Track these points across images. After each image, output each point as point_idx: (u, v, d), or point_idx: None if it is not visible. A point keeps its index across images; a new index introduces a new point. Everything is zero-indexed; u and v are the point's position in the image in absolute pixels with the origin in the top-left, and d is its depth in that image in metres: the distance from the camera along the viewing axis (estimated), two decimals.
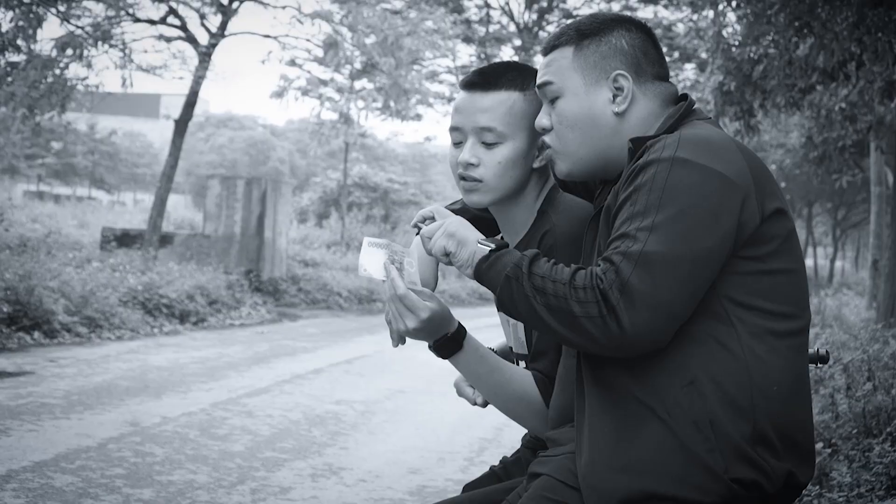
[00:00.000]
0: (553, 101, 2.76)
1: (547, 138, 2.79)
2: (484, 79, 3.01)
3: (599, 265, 2.39)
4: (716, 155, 2.45)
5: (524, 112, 3.00)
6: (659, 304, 2.34)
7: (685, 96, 2.77)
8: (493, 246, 2.59)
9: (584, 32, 2.73)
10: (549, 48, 2.79)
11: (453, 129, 3.05)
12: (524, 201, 3.08)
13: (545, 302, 2.41)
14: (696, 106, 2.74)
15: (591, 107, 2.70)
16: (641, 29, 2.75)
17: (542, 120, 2.79)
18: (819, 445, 6.77)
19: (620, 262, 2.34)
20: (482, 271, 2.59)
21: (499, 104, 2.98)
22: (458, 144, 3.05)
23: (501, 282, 2.51)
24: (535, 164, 3.06)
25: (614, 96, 2.68)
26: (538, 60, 5.95)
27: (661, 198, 2.39)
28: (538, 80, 2.80)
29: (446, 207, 3.29)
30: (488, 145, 2.99)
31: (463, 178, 3.02)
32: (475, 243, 2.63)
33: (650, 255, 2.34)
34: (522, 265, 2.47)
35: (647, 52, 2.72)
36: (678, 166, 2.42)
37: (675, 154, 2.44)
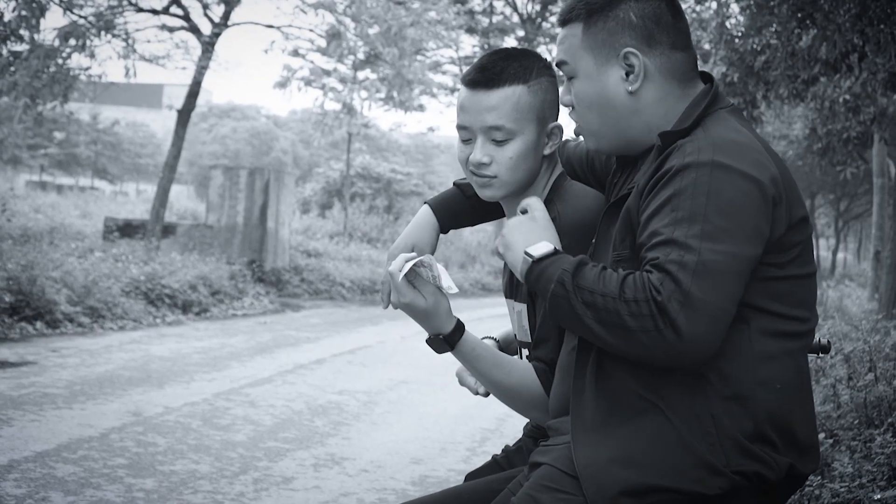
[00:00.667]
0: (571, 79, 2.73)
1: (572, 115, 2.78)
2: (486, 76, 2.99)
3: (650, 272, 2.36)
4: (752, 161, 2.44)
5: (530, 104, 2.99)
6: (717, 313, 2.34)
7: (707, 77, 2.74)
8: (534, 256, 2.55)
9: (593, 7, 2.65)
10: (561, 21, 2.74)
11: (461, 128, 3.04)
12: (533, 190, 3.09)
13: (597, 317, 2.39)
14: (720, 88, 2.69)
15: (603, 88, 2.66)
16: None
17: (564, 97, 2.78)
18: (821, 436, 6.77)
19: (678, 273, 2.31)
20: (531, 283, 2.58)
21: (504, 101, 2.97)
22: (466, 141, 3.05)
23: (549, 297, 2.49)
24: (546, 152, 3.08)
25: (627, 73, 2.63)
26: (542, 52, 5.94)
27: (707, 204, 2.36)
28: (556, 58, 2.78)
29: (456, 182, 3.32)
30: (498, 142, 2.99)
31: (475, 174, 3.03)
32: (521, 251, 2.60)
33: (708, 265, 2.32)
34: (566, 281, 2.43)
35: (659, 19, 2.64)
36: (719, 171, 2.39)
37: (713, 158, 2.41)
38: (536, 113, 3.00)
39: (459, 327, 2.89)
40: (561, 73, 2.79)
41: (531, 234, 2.65)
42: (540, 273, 2.52)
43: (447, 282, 2.81)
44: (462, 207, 3.27)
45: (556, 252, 2.55)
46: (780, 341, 2.50)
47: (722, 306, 2.34)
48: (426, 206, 3.31)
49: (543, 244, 2.58)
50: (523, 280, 2.60)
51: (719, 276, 2.33)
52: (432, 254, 3.18)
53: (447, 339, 2.88)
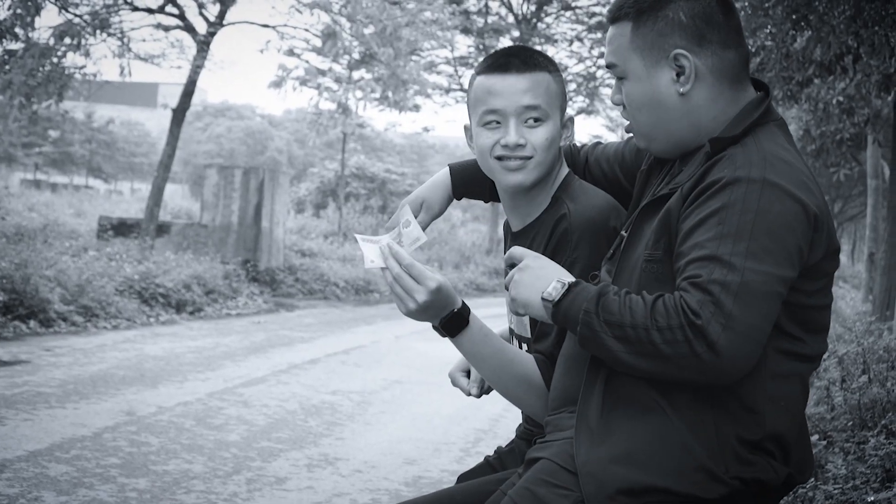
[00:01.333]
0: (620, 79, 2.71)
1: (623, 115, 2.77)
2: (520, 59, 3.03)
3: (687, 291, 2.35)
4: (800, 182, 2.44)
5: (557, 92, 3.05)
6: (756, 334, 2.34)
7: (760, 84, 2.71)
8: (553, 299, 2.52)
9: (642, 7, 2.62)
10: (611, 18, 2.71)
11: (490, 112, 3.03)
12: (543, 184, 3.10)
13: (630, 350, 2.38)
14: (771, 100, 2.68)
15: (654, 90, 2.63)
16: None
17: (615, 97, 2.76)
18: (814, 438, 6.78)
19: (720, 294, 2.31)
20: (560, 325, 2.56)
21: (538, 84, 3.01)
22: (493, 128, 3.04)
23: (579, 341, 2.49)
24: (562, 143, 3.11)
25: (678, 74, 2.60)
26: None
27: (755, 222, 2.35)
28: (605, 60, 2.76)
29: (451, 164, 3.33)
30: (532, 125, 3.00)
31: (506, 158, 3.03)
32: (538, 301, 2.57)
33: (750, 285, 2.32)
34: (592, 322, 2.42)
35: (710, 18, 2.59)
36: (769, 190, 2.38)
37: (764, 175, 2.40)
38: (560, 102, 3.06)
39: (465, 304, 2.86)
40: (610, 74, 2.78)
41: (536, 280, 2.60)
42: (565, 314, 2.50)
43: (418, 230, 2.84)
44: (479, 178, 3.28)
45: (569, 287, 2.52)
46: (793, 363, 2.52)
47: (761, 327, 2.35)
48: (446, 168, 3.35)
49: (554, 283, 2.55)
50: (554, 324, 2.60)
51: (760, 297, 2.33)
52: (439, 214, 3.28)
53: (461, 312, 2.83)
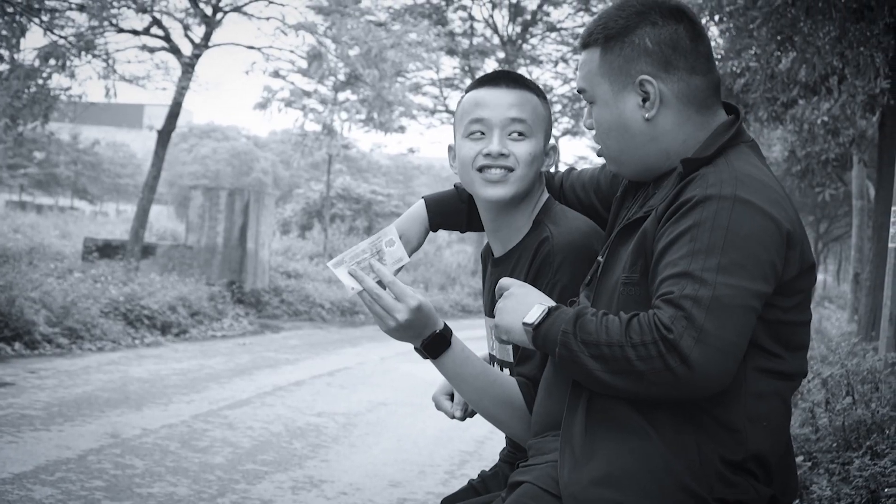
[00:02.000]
0: (591, 104, 2.74)
1: (594, 139, 2.80)
2: (511, 77, 3.09)
3: (660, 308, 2.36)
4: (772, 200, 2.45)
5: (543, 115, 3.09)
6: (729, 347, 2.34)
7: (731, 108, 2.74)
8: (532, 323, 2.54)
9: (610, 33, 2.65)
10: (582, 44, 2.75)
11: (475, 122, 3.06)
12: (525, 206, 3.12)
13: (607, 368, 2.39)
14: (742, 120, 2.70)
15: (620, 115, 2.66)
16: (672, 17, 2.64)
17: (587, 121, 2.80)
18: (799, 459, 6.78)
19: (692, 308, 2.32)
20: (540, 349, 2.57)
21: (526, 101, 3.06)
22: (476, 139, 3.08)
23: (557, 362, 2.50)
24: (543, 168, 3.13)
25: (643, 100, 2.63)
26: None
27: (726, 238, 2.37)
28: (576, 85, 2.81)
29: (456, 185, 3.34)
30: (516, 138, 3.04)
31: (487, 168, 3.05)
32: (520, 326, 2.60)
33: (722, 300, 2.32)
34: (569, 342, 2.43)
35: (676, 44, 2.62)
36: (740, 206, 2.40)
37: (735, 192, 2.41)
38: (545, 126, 3.09)
39: (447, 325, 2.88)
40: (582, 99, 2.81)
41: (519, 306, 2.63)
42: (544, 337, 2.51)
43: (402, 251, 2.84)
44: (455, 209, 3.31)
45: (549, 312, 2.53)
46: (773, 381, 2.52)
47: (734, 341, 2.35)
48: (421, 201, 3.36)
49: (535, 308, 2.57)
50: (534, 348, 2.60)
51: (732, 311, 2.33)
52: (417, 248, 3.29)
53: (443, 333, 2.85)
